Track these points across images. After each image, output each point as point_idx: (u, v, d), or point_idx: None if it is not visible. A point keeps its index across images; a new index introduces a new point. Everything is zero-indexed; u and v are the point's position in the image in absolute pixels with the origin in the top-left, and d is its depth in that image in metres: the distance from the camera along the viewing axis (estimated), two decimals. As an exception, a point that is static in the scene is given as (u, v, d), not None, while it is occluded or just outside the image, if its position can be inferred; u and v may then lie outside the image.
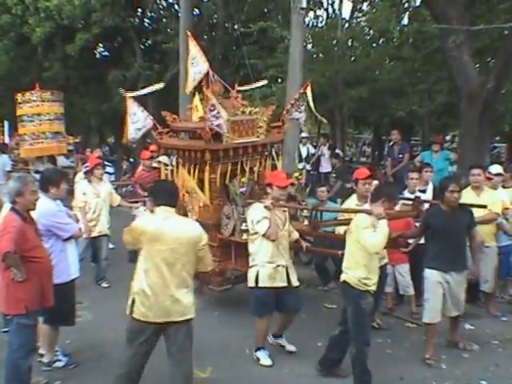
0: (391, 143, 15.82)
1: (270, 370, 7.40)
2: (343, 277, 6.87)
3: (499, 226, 9.28)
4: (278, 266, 7.49)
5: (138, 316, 5.86)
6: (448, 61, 14.04)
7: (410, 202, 8.88)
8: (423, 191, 10.13)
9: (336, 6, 23.76)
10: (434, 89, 20.95)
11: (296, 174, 10.47)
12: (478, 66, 16.51)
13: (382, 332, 8.46)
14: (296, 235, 8.14)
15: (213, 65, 10.04)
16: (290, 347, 7.94)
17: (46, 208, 6.85)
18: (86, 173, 11.02)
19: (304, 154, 17.60)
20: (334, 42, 21.38)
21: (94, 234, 10.75)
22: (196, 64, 9.15)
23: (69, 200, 10.42)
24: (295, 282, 7.73)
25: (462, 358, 7.75)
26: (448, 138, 29.41)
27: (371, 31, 23.56)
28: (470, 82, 13.48)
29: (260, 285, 7.46)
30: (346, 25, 22.93)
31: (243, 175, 9.08)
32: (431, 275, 7.54)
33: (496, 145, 26.55)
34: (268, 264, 7.45)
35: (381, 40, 23.67)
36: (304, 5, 14.32)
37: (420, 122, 24.23)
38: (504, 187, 9.86)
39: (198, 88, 9.23)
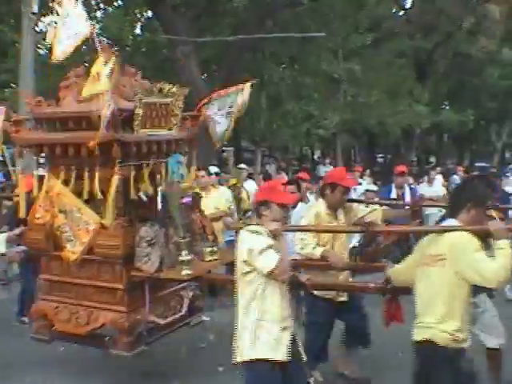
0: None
1: None
2: None
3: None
4: (285, 328, 4.70)
5: None
6: (177, 69, 14.38)
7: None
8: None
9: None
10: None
11: (233, 181, 8.78)
12: (205, 74, 17.02)
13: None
14: None
15: None
16: None
17: None
18: None
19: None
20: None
21: None
22: (70, 24, 5.98)
23: None
24: (304, 356, 4.90)
25: (199, 349, 7.76)
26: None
27: (105, 39, 23.46)
28: (198, 89, 13.91)
29: (260, 356, 4.61)
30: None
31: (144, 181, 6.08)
32: None
33: (224, 149, 27.65)
34: (273, 324, 4.65)
35: (115, 48, 23.67)
36: (36, 10, 13.81)
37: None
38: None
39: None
